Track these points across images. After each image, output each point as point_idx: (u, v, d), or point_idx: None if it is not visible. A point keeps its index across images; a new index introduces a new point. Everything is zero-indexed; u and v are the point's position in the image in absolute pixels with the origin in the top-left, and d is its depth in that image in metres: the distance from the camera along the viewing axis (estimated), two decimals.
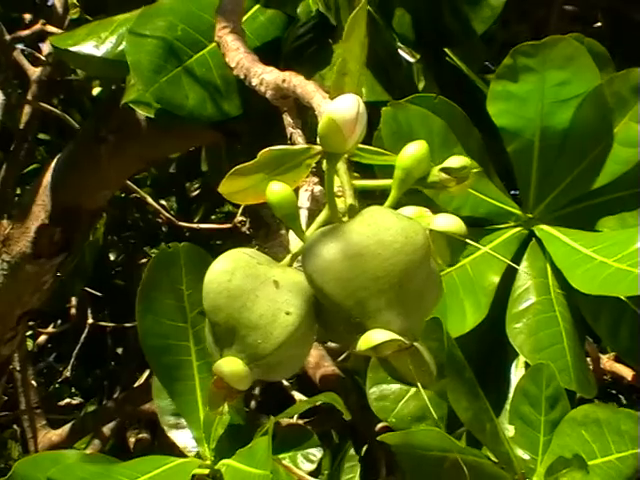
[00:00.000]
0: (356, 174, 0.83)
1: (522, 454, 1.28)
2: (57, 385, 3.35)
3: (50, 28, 1.96)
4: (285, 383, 2.25)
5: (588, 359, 1.74)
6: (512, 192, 1.40)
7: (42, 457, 1.39)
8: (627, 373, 1.99)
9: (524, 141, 1.34)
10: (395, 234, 0.75)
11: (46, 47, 2.19)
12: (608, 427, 1.24)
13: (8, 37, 2.06)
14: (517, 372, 1.37)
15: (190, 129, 1.62)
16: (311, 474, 1.27)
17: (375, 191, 0.84)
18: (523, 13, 1.94)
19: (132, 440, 2.83)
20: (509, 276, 1.36)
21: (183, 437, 1.33)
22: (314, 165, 0.84)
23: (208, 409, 1.23)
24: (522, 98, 1.31)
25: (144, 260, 3.15)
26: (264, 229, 2.08)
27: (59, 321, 3.26)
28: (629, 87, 1.30)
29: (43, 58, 2.19)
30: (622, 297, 1.31)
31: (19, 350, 2.37)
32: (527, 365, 1.32)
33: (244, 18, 1.34)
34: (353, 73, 0.82)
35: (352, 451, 1.89)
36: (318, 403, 1.39)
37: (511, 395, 1.31)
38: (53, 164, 1.85)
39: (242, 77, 1.01)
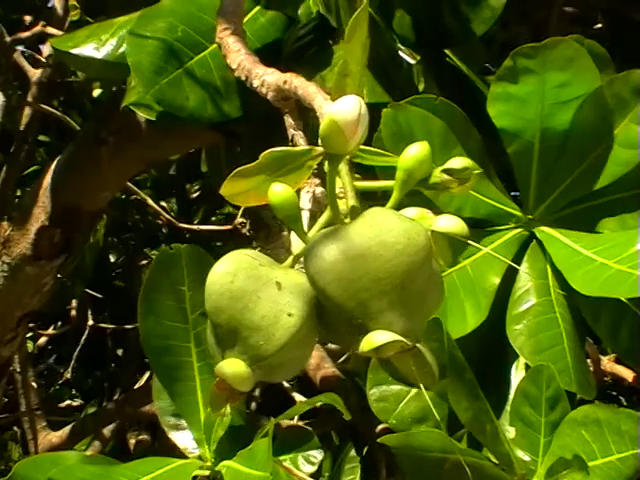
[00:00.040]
0: (358, 175, 0.83)
1: (522, 455, 1.28)
2: (57, 387, 3.34)
3: (50, 30, 1.95)
4: (285, 385, 2.25)
5: (588, 360, 1.74)
6: (512, 193, 1.40)
7: (42, 458, 1.39)
8: (627, 374, 1.99)
9: (524, 142, 1.34)
10: (397, 235, 0.75)
11: (46, 49, 2.19)
12: (608, 427, 1.24)
13: (8, 39, 2.05)
14: (517, 373, 1.37)
15: (190, 130, 1.62)
16: (312, 476, 1.27)
17: (377, 192, 0.85)
18: (523, 14, 1.94)
19: (132, 442, 2.82)
20: (509, 277, 1.36)
21: (183, 438, 1.33)
22: (316, 166, 0.84)
23: (210, 410, 1.23)
24: (522, 99, 1.31)
25: (144, 262, 3.16)
26: (265, 231, 2.08)
27: (59, 323, 3.25)
28: (629, 88, 1.30)
29: (43, 60, 2.19)
30: (622, 298, 1.31)
31: (19, 352, 2.36)
32: (527, 366, 1.32)
33: (245, 19, 1.34)
34: (354, 74, 0.82)
35: (353, 452, 1.89)
36: (318, 404, 1.39)
37: (511, 396, 1.31)
38: (53, 166, 1.85)
39: (243, 79, 1.01)
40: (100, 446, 2.54)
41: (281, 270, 0.80)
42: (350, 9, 1.38)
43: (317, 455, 1.27)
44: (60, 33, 1.93)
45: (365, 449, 1.82)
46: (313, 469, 1.26)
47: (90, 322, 3.05)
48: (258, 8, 1.47)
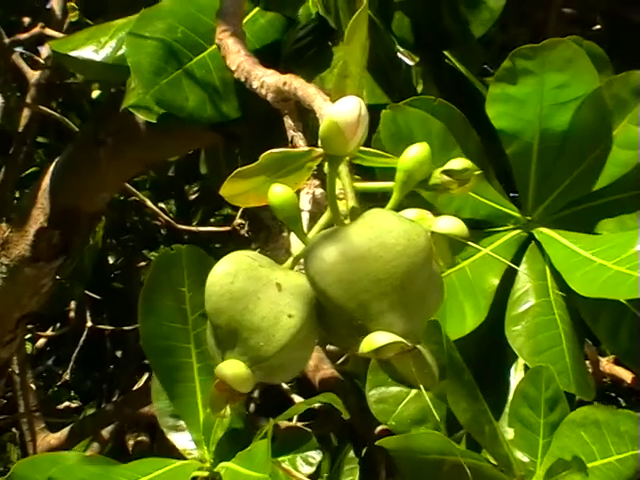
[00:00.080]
0: (357, 176, 0.83)
1: (521, 456, 1.28)
2: (56, 388, 3.34)
3: (49, 31, 1.95)
4: (284, 386, 2.26)
5: (587, 362, 1.74)
6: (511, 194, 1.40)
7: (41, 458, 1.39)
8: (626, 376, 1.99)
9: (523, 143, 1.34)
10: (397, 236, 0.75)
11: (45, 50, 2.19)
12: (607, 428, 1.24)
13: (7, 40, 2.05)
14: (516, 374, 1.37)
15: (189, 132, 1.63)
16: (310, 477, 1.27)
17: (377, 193, 0.85)
18: (522, 16, 1.94)
19: (131, 443, 2.82)
20: (508, 278, 1.36)
21: (182, 439, 1.33)
22: (315, 168, 0.84)
23: (209, 412, 1.23)
24: (521, 100, 1.31)
25: (143, 263, 3.16)
26: (264, 232, 2.08)
27: (58, 324, 3.25)
28: (628, 89, 1.30)
29: (42, 61, 2.19)
30: (622, 300, 1.31)
31: (18, 353, 2.36)
32: (526, 367, 1.32)
33: (244, 21, 1.34)
34: (354, 76, 0.82)
35: (351, 453, 1.89)
36: (317, 406, 1.39)
37: (510, 397, 1.31)
38: (52, 167, 1.85)
39: (243, 80, 1.01)
40: (99, 447, 2.54)
41: (281, 271, 0.80)
42: (349, 10, 1.38)
43: (316, 456, 1.27)
44: (59, 34, 1.93)
45: (364, 450, 1.82)
46: (312, 470, 1.26)
47: (89, 323, 3.05)
48: (257, 9, 1.47)
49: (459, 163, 0.82)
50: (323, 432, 1.90)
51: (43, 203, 1.83)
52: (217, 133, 1.54)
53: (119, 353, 3.38)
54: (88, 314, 3.07)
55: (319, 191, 0.88)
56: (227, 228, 2.37)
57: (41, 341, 3.19)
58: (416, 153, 0.80)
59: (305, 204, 0.87)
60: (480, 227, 1.37)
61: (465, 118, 1.34)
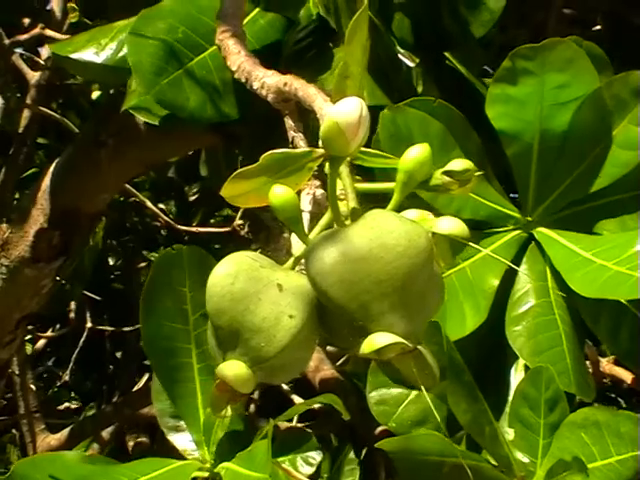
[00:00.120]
0: (358, 177, 0.83)
1: (522, 457, 1.28)
2: (56, 389, 3.34)
3: (49, 32, 1.95)
4: (284, 387, 2.26)
5: (587, 362, 1.74)
6: (511, 195, 1.40)
7: (41, 458, 1.39)
8: (627, 376, 1.99)
9: (523, 144, 1.34)
10: (398, 237, 0.75)
11: (45, 51, 2.19)
12: (608, 429, 1.24)
13: (7, 41, 2.05)
14: (516, 375, 1.37)
15: (189, 132, 1.63)
16: (310, 477, 1.27)
17: (377, 194, 0.85)
18: (522, 17, 1.94)
19: (131, 444, 2.82)
20: (508, 279, 1.36)
21: (183, 440, 1.33)
22: (316, 168, 0.84)
23: (210, 412, 1.23)
24: (521, 101, 1.31)
25: (143, 264, 3.16)
26: (265, 232, 2.08)
27: (58, 325, 3.25)
28: (628, 90, 1.30)
29: (42, 62, 2.19)
30: (622, 300, 1.31)
31: (18, 354, 2.36)
32: (527, 368, 1.32)
33: (244, 21, 1.34)
34: (355, 76, 0.82)
35: (352, 454, 1.89)
36: (317, 406, 1.39)
37: (510, 398, 1.31)
38: (52, 168, 1.85)
39: (243, 81, 1.01)
40: (99, 448, 2.54)
41: (282, 272, 0.80)
42: (350, 11, 1.39)
43: (316, 456, 1.27)
44: (59, 35, 1.93)
45: (364, 451, 1.82)
46: (312, 470, 1.26)
47: (89, 324, 3.05)
48: (258, 10, 1.48)
49: (460, 164, 0.82)
50: (323, 433, 1.90)
51: (43, 204, 1.83)
52: (217, 134, 1.54)
53: (119, 354, 3.38)
54: (88, 315, 3.07)
55: (320, 192, 0.88)
56: (227, 229, 2.37)
57: (41, 342, 3.19)
58: (417, 154, 0.80)
59: (306, 205, 0.87)
60: (480, 228, 1.37)
61: (465, 119, 1.33)
